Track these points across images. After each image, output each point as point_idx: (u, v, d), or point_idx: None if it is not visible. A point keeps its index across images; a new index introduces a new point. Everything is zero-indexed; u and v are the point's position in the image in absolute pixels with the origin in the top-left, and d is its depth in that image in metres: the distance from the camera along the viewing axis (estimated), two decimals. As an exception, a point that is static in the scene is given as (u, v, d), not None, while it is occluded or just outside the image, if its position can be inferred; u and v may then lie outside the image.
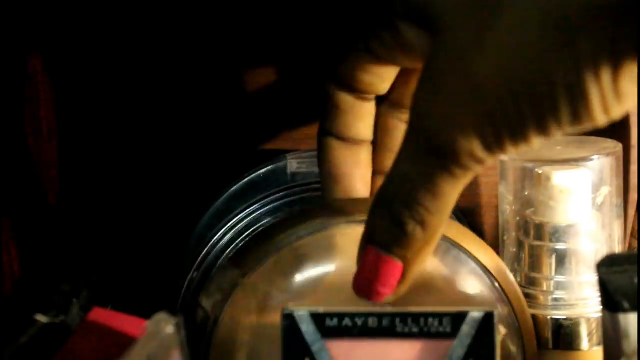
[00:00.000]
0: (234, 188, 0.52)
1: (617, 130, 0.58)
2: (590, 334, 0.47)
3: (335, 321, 0.40)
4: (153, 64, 0.57)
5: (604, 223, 0.48)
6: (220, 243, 0.48)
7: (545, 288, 0.47)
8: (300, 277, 0.43)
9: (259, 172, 0.53)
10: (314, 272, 0.43)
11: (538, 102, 0.33)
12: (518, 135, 0.35)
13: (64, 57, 0.57)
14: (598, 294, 0.45)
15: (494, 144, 0.35)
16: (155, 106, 0.57)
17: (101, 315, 0.38)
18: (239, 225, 0.49)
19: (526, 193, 0.48)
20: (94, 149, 0.58)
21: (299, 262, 0.43)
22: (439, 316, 0.40)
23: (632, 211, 0.57)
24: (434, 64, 0.37)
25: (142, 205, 0.58)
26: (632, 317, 0.37)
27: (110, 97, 0.57)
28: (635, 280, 0.37)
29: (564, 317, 0.46)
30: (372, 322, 0.40)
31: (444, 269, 0.43)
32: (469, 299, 0.43)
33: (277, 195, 0.50)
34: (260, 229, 0.49)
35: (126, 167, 0.58)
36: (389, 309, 0.40)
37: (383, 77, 0.44)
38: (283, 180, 0.52)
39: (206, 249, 0.48)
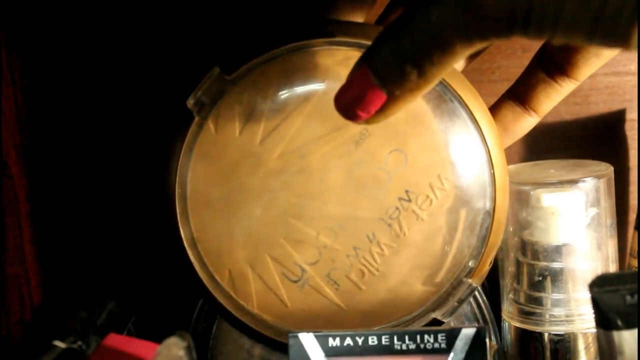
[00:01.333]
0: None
1: (615, 152, 0.59)
2: (587, 348, 0.48)
3: (337, 341, 0.42)
4: (152, 56, 0.58)
5: (599, 243, 0.49)
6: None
7: (542, 305, 0.49)
8: (285, 90, 0.44)
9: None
10: (300, 88, 0.44)
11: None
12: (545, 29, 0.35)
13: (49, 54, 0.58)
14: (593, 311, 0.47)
15: (518, 29, 0.35)
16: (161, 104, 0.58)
17: (117, 340, 0.40)
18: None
19: (523, 215, 0.50)
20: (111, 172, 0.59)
21: (286, 75, 0.44)
22: (435, 333, 0.42)
23: (630, 230, 0.59)
24: None
25: (154, 227, 0.59)
26: (625, 334, 0.39)
27: (115, 98, 0.58)
28: (628, 298, 0.39)
29: (562, 333, 0.48)
30: (372, 340, 0.43)
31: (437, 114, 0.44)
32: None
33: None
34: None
35: (137, 184, 0.59)
36: (388, 329, 0.43)
37: None
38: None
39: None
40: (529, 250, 0.49)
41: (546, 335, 0.48)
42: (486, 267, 0.45)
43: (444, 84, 0.44)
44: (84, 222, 0.60)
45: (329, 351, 0.42)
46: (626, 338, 0.39)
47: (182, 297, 0.55)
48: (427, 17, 0.36)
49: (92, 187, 0.59)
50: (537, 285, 0.49)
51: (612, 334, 0.39)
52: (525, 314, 0.49)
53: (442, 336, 0.42)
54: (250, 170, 0.44)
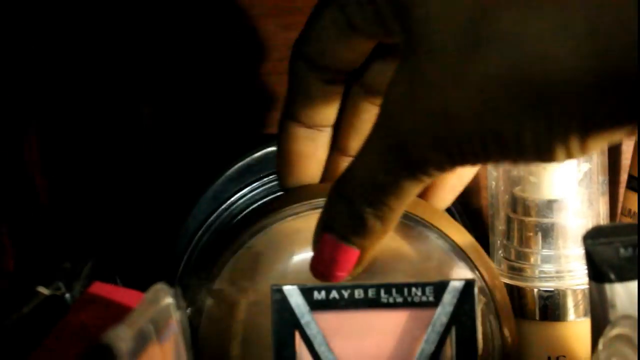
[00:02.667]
0: (230, 171, 0.53)
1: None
2: (576, 305, 0.48)
3: (323, 294, 0.42)
4: (146, 49, 0.58)
5: (590, 199, 0.49)
6: (215, 225, 0.50)
7: (532, 261, 0.48)
8: (260, 275, 0.44)
9: (254, 155, 0.54)
10: (271, 268, 0.44)
11: (505, 145, 0.35)
12: (482, 160, 0.37)
13: (49, 49, 0.58)
14: (584, 266, 0.46)
15: (459, 162, 0.36)
16: (154, 89, 0.58)
17: (102, 288, 0.39)
18: (233, 207, 0.50)
19: (515, 171, 0.49)
20: (90, 131, 0.59)
21: (256, 261, 0.44)
22: (422, 286, 0.42)
23: (622, 190, 0.58)
24: (413, 67, 0.36)
25: (141, 187, 0.59)
26: (617, 287, 0.38)
27: (104, 80, 0.58)
28: (622, 251, 0.38)
29: (551, 289, 0.48)
30: (358, 293, 0.42)
31: (411, 248, 0.44)
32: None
33: (271, 177, 0.51)
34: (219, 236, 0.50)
35: (126, 148, 0.59)
36: (375, 281, 0.42)
37: (357, 51, 0.42)
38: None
39: (201, 231, 0.49)
40: (519, 206, 0.48)
41: (535, 291, 0.48)
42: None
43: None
44: (64, 176, 0.59)
45: (314, 305, 0.42)
46: (618, 291, 0.38)
47: (164, 254, 0.55)
48: (368, 170, 0.38)
49: (75, 141, 0.59)
50: (527, 241, 0.48)
51: (605, 287, 0.38)
52: (515, 270, 0.48)
53: (430, 289, 0.42)
54: None
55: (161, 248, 0.56)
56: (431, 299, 0.42)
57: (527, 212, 0.48)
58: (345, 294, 0.42)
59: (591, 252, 0.38)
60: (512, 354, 0.44)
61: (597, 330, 0.38)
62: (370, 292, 0.42)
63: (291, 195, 0.45)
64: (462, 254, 0.44)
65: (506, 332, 0.44)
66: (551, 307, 0.48)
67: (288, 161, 0.45)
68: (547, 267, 0.48)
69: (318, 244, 0.40)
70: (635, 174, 0.55)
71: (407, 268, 0.44)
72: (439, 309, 0.42)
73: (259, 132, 0.58)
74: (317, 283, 0.42)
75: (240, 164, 0.54)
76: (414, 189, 0.38)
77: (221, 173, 0.54)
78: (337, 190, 0.39)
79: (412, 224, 0.44)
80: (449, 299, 0.42)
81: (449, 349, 0.42)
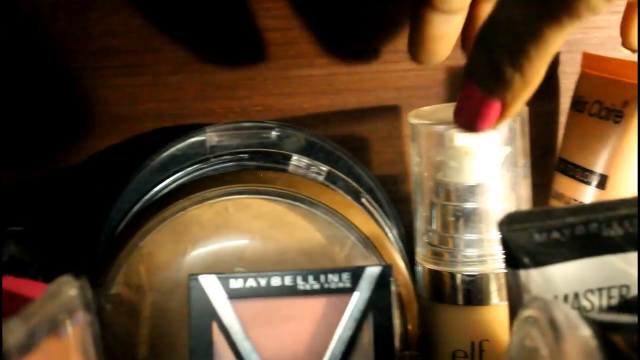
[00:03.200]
0: (154, 162, 0.53)
1: (546, 94, 0.59)
2: (499, 289, 0.48)
3: (240, 282, 0.42)
4: None
5: (512, 183, 0.49)
6: (132, 212, 0.49)
7: (455, 246, 0.48)
8: (155, 275, 0.44)
9: (178, 146, 0.53)
10: (165, 266, 0.44)
11: None
12: None
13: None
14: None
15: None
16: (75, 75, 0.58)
17: (11, 282, 0.39)
18: (154, 197, 0.50)
19: (438, 157, 0.49)
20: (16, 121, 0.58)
21: (150, 261, 0.44)
22: (339, 272, 0.42)
23: (553, 172, 0.58)
24: None
25: (65, 177, 0.58)
26: (533, 273, 0.38)
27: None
28: (536, 236, 0.38)
29: (474, 274, 0.48)
30: (275, 281, 0.42)
31: (321, 238, 0.45)
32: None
33: (193, 167, 0.50)
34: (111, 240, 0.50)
35: (50, 136, 0.58)
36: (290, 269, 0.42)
37: None
38: (202, 153, 0.53)
39: (123, 223, 0.49)
40: (442, 191, 0.48)
41: (459, 276, 0.48)
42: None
43: None
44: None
45: (231, 293, 0.42)
46: (533, 276, 0.38)
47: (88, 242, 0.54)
48: (508, 16, 0.36)
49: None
50: (450, 226, 0.48)
51: (519, 273, 0.38)
52: (438, 256, 0.48)
53: (346, 275, 0.42)
54: None
55: (85, 240, 0.55)
56: (348, 285, 0.42)
57: (448, 197, 0.48)
58: (263, 281, 0.42)
59: (506, 239, 0.38)
60: (414, 343, 0.45)
61: (514, 315, 0.38)
62: (287, 280, 0.42)
63: (180, 191, 0.45)
64: (370, 246, 0.44)
65: (409, 322, 0.45)
66: (474, 292, 0.48)
67: (422, 43, 0.45)
68: (469, 252, 0.48)
69: (462, 91, 0.40)
70: (566, 157, 0.55)
71: (317, 258, 0.44)
72: (356, 295, 0.42)
73: (186, 123, 0.57)
74: (235, 273, 0.42)
75: (164, 154, 0.53)
76: (555, 35, 0.36)
77: (145, 164, 0.53)
78: (479, 38, 0.38)
79: (323, 215, 0.44)
80: (365, 285, 0.42)
81: (366, 334, 0.42)
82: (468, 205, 0.48)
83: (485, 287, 0.48)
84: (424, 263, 0.49)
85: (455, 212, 0.48)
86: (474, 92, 0.39)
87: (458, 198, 0.48)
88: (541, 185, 0.57)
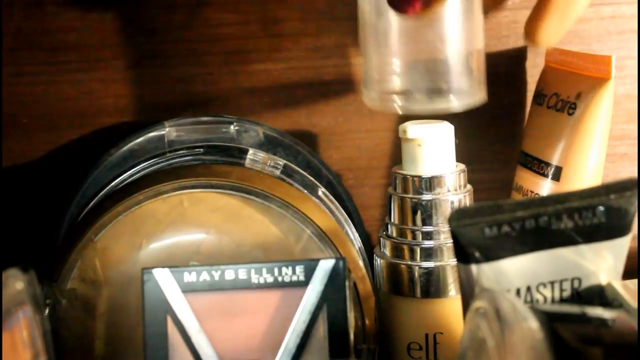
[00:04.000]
0: (113, 156, 0.53)
1: (513, 88, 0.59)
2: (455, 281, 0.48)
3: (193, 276, 0.42)
4: None
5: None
6: (89, 207, 0.49)
7: (413, 239, 0.48)
8: (110, 269, 0.44)
9: (137, 140, 0.53)
10: (120, 260, 0.45)
11: None
12: None
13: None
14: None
15: None
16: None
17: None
18: (111, 192, 0.50)
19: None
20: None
21: (104, 256, 0.44)
22: (292, 265, 0.42)
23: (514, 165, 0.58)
24: None
25: (25, 172, 0.58)
26: (484, 267, 0.38)
27: None
28: (487, 231, 0.38)
29: (432, 266, 0.48)
30: (229, 274, 0.42)
31: (277, 231, 0.45)
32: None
33: (150, 162, 0.50)
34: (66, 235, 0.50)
35: (10, 131, 0.58)
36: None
37: None
38: (161, 148, 0.52)
39: (81, 216, 0.49)
40: (399, 183, 0.49)
41: (416, 268, 0.48)
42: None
43: None
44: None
45: (185, 287, 0.42)
46: (485, 271, 0.39)
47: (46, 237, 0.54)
48: None
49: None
50: (407, 218, 0.48)
51: (471, 267, 0.39)
52: (396, 249, 0.49)
53: (300, 268, 0.42)
54: None
55: (44, 235, 0.55)
56: (302, 278, 0.42)
57: (406, 189, 0.48)
58: (216, 275, 0.42)
59: (456, 234, 0.38)
60: (371, 337, 0.45)
61: (467, 309, 0.39)
62: (241, 273, 0.42)
63: (133, 185, 0.45)
64: (326, 239, 0.44)
65: (366, 316, 0.45)
66: (431, 284, 0.48)
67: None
68: (427, 244, 0.48)
69: None
70: (526, 149, 0.56)
71: (273, 252, 0.44)
72: (310, 288, 0.42)
73: (145, 118, 0.57)
74: (188, 267, 0.42)
75: (123, 149, 0.53)
76: None
77: (104, 159, 0.53)
78: None
79: (278, 208, 0.44)
80: (319, 278, 0.42)
81: (321, 327, 0.42)
82: (425, 197, 0.48)
83: (443, 280, 0.48)
84: (382, 256, 0.49)
85: (412, 204, 0.48)
86: None
87: (415, 190, 0.48)
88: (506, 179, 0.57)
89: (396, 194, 0.49)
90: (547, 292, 0.40)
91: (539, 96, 0.56)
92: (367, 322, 0.46)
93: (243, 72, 0.58)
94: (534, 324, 0.33)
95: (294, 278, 0.42)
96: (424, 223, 0.48)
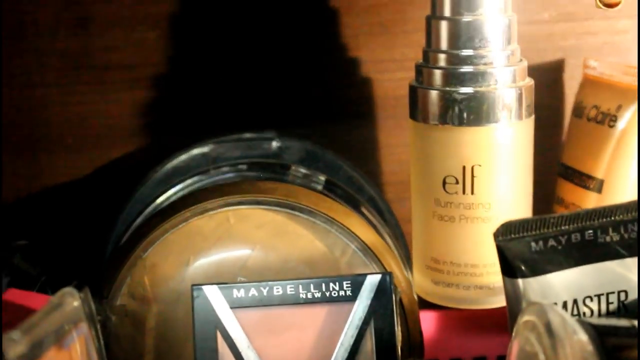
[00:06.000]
0: (158, 174, 0.54)
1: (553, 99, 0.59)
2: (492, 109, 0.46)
3: (242, 292, 0.42)
4: None
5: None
6: (135, 224, 0.50)
7: (450, 64, 0.46)
8: (159, 286, 0.45)
9: (181, 158, 0.54)
10: (169, 277, 0.45)
11: None
12: None
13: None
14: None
15: None
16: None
17: (16, 295, 0.39)
18: (157, 209, 0.50)
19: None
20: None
21: (154, 272, 0.45)
22: (340, 281, 0.42)
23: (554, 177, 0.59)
24: None
25: (72, 190, 0.59)
26: (531, 281, 0.39)
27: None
28: (533, 245, 0.39)
29: (471, 92, 0.46)
30: (277, 290, 0.42)
31: (322, 247, 0.45)
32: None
33: (193, 179, 0.51)
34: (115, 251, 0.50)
35: (56, 150, 0.59)
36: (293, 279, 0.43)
37: None
38: (204, 165, 0.53)
39: (127, 234, 0.49)
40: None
41: (454, 94, 0.45)
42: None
43: None
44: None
45: (233, 302, 0.42)
46: (532, 285, 0.39)
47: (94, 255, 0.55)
48: None
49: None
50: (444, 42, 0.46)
51: (517, 282, 0.39)
52: (432, 75, 0.46)
53: (347, 284, 0.42)
54: None
55: (92, 252, 0.56)
56: (349, 293, 0.42)
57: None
58: (264, 291, 0.42)
59: (502, 248, 0.39)
60: (417, 349, 0.45)
61: (513, 322, 0.39)
62: (289, 289, 0.42)
63: (179, 202, 0.46)
64: (370, 254, 0.45)
65: (412, 329, 0.45)
66: (471, 111, 0.45)
67: None
68: (465, 69, 0.45)
69: None
70: (566, 162, 0.56)
71: (319, 267, 0.44)
72: (357, 303, 0.42)
73: (190, 135, 0.58)
74: (237, 283, 0.42)
75: (167, 166, 0.54)
76: None
77: (149, 176, 0.54)
78: None
79: (323, 224, 0.44)
80: (366, 293, 0.42)
81: (369, 342, 0.42)
82: (464, 18, 0.45)
83: (481, 107, 0.45)
84: (420, 84, 0.46)
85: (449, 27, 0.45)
86: None
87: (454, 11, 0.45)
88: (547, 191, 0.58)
89: (436, 17, 0.46)
90: (594, 305, 0.40)
91: (578, 109, 0.56)
92: (412, 334, 0.46)
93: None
94: (584, 337, 0.34)
95: (342, 293, 0.42)
96: (464, 46, 0.45)
